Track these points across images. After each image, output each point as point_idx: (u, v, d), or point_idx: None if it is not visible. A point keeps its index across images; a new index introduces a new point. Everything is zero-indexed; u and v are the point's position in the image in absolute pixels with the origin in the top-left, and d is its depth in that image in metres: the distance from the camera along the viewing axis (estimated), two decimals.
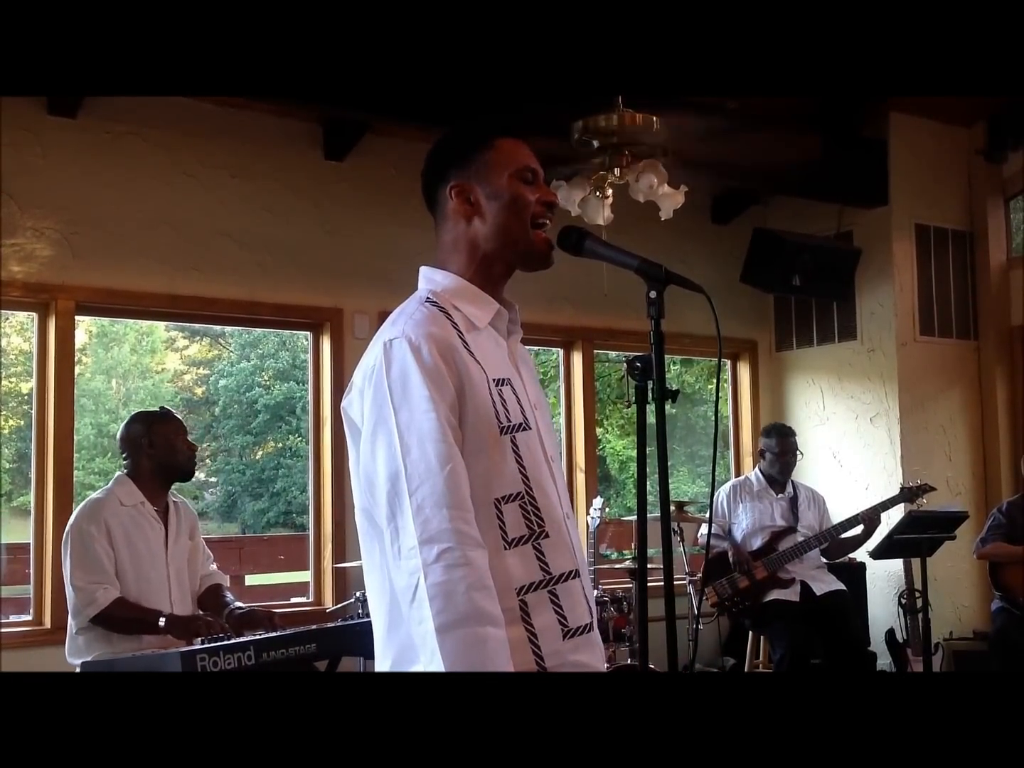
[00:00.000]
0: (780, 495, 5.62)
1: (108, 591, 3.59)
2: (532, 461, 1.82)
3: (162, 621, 3.56)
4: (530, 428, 1.83)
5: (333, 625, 3.96)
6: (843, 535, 5.47)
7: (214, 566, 4.06)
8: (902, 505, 5.55)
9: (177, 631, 3.58)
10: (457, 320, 1.84)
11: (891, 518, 5.52)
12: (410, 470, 1.70)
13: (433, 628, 1.62)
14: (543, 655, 1.74)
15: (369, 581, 1.83)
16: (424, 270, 1.96)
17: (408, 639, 1.70)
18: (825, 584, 5.45)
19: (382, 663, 1.79)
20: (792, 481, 5.72)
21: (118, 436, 3.91)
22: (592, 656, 1.83)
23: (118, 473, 3.89)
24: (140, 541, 3.71)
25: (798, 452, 5.72)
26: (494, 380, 1.81)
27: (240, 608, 3.84)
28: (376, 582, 1.80)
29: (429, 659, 1.63)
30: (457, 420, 1.75)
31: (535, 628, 1.74)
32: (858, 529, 5.40)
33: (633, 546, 5.51)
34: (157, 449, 3.80)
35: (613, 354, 7.43)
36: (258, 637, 3.48)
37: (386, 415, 1.74)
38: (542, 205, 1.90)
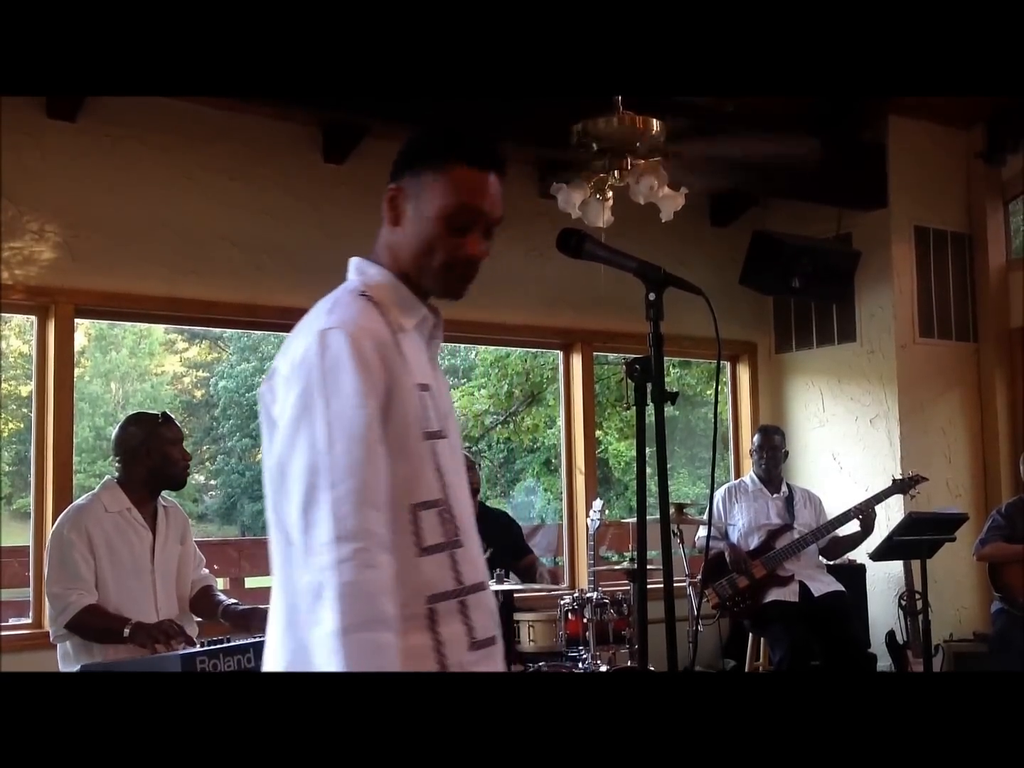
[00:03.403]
0: (775, 495, 5.66)
1: (81, 597, 3.53)
2: (450, 469, 1.79)
3: (126, 631, 3.45)
4: (446, 436, 1.80)
5: None
6: (841, 532, 5.48)
7: (205, 570, 4.02)
8: (901, 507, 5.56)
9: (140, 639, 3.45)
10: (389, 318, 1.80)
11: (891, 519, 5.52)
12: (333, 463, 1.63)
13: (336, 629, 1.56)
14: (447, 664, 1.71)
15: (275, 579, 1.78)
16: (356, 261, 1.91)
17: (303, 640, 1.63)
18: (824, 584, 5.46)
19: (274, 664, 1.73)
20: (787, 483, 5.77)
21: (113, 437, 3.83)
22: (496, 669, 1.80)
23: (107, 477, 3.83)
24: (123, 548, 3.65)
25: (784, 450, 5.77)
26: (417, 384, 1.77)
27: (235, 604, 3.82)
28: (279, 579, 1.75)
29: (326, 661, 1.57)
30: (382, 421, 1.70)
31: (442, 637, 1.71)
32: (856, 527, 5.41)
33: (631, 547, 5.51)
34: (153, 457, 3.72)
35: (612, 356, 7.43)
36: (258, 639, 3.46)
37: (313, 405, 1.67)
38: (459, 257, 1.82)
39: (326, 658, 1.56)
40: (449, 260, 1.81)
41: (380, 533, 1.64)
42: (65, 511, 3.77)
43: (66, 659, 3.62)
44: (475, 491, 5.27)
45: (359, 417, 1.66)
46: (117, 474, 3.79)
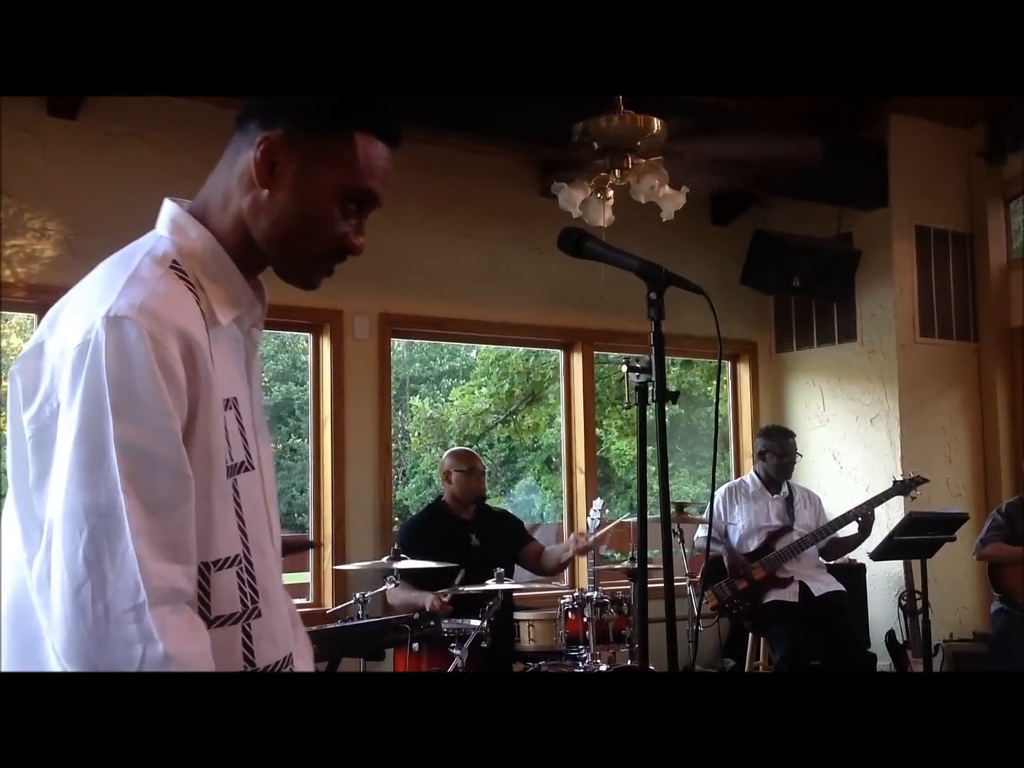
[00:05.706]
0: (776, 496, 5.66)
1: None
2: (251, 513, 1.41)
3: None
4: (252, 468, 1.42)
5: (333, 626, 3.95)
6: (841, 534, 5.48)
7: None
8: (902, 507, 5.55)
9: None
10: (203, 306, 1.38)
11: (891, 519, 5.52)
12: (135, 504, 1.24)
13: None
14: None
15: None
16: (174, 210, 1.50)
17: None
18: (823, 584, 5.46)
19: None
20: (788, 482, 5.76)
21: None
22: None
23: None
24: None
25: (797, 453, 5.76)
26: (224, 400, 1.37)
27: None
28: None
29: None
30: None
31: None
32: (855, 527, 5.41)
33: (632, 547, 5.51)
34: None
35: (613, 355, 7.43)
36: None
37: (100, 423, 1.25)
38: (340, 246, 1.46)
39: None
40: (330, 247, 1.45)
41: (192, 593, 1.31)
42: None
43: None
44: (480, 498, 5.29)
45: (166, 446, 1.27)
46: None
